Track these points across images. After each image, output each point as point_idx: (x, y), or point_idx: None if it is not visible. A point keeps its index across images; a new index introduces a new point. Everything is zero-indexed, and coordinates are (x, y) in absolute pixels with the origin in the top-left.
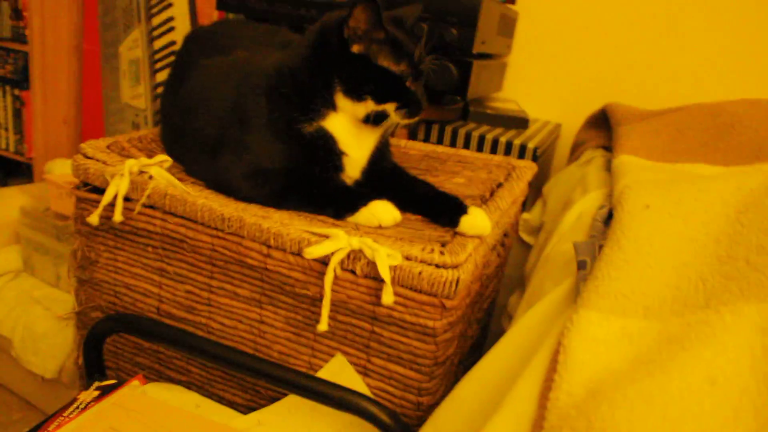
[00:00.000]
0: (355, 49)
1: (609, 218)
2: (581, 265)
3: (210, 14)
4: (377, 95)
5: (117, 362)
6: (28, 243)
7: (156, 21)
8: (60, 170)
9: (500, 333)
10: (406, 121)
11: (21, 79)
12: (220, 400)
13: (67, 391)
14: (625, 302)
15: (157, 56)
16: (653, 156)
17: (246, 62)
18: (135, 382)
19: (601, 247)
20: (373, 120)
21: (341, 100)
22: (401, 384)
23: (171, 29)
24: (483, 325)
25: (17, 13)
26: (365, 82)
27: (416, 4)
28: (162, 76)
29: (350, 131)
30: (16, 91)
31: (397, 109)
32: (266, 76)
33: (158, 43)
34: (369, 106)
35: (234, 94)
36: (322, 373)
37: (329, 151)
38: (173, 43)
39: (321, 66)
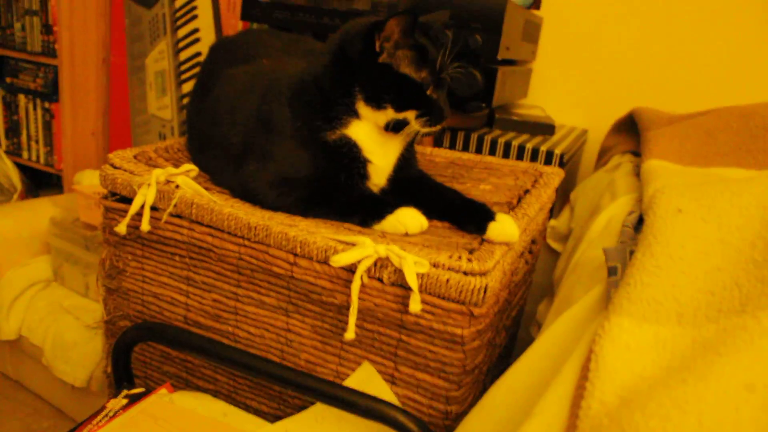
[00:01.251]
0: (381, 58)
1: (639, 224)
2: (612, 271)
3: (235, 25)
4: (397, 103)
5: (145, 371)
6: (58, 253)
7: (181, 33)
8: (89, 181)
9: (529, 341)
10: (427, 129)
11: (51, 92)
12: (248, 408)
13: (97, 399)
14: (658, 308)
15: (183, 67)
16: (683, 160)
17: (270, 71)
18: (163, 391)
19: (632, 252)
20: (393, 127)
21: (362, 108)
22: (429, 393)
23: (196, 40)
24: (511, 333)
25: (47, 28)
26: (385, 90)
27: (443, 11)
28: (188, 87)
29: (374, 138)
30: (46, 104)
31: (418, 116)
32: (289, 84)
33: (184, 55)
34: (389, 114)
35: (258, 103)
36: (350, 382)
37: (353, 159)
38: (199, 54)
39: (342, 74)
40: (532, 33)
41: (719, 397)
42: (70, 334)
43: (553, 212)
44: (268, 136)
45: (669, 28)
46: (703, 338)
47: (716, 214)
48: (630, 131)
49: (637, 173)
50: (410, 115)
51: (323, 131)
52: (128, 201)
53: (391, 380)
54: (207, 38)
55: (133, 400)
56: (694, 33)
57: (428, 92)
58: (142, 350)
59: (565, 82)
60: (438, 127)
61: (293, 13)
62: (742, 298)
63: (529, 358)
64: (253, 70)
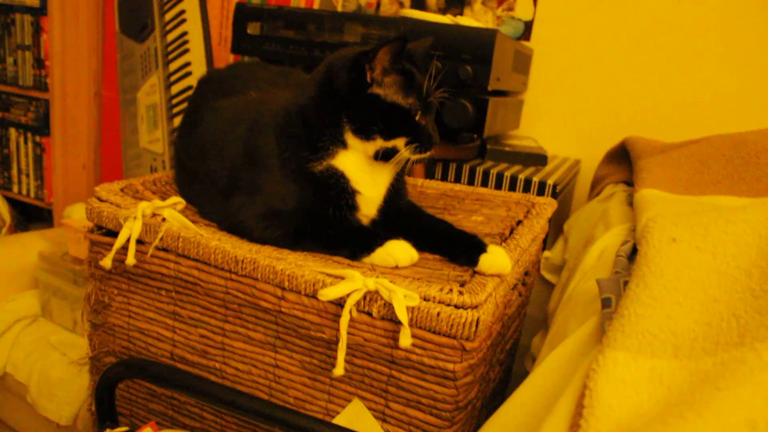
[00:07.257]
0: (371, 89)
1: (633, 253)
2: (606, 303)
3: (226, 58)
4: (386, 132)
5: (130, 408)
6: (46, 288)
7: (173, 66)
8: (79, 215)
9: (524, 375)
10: (418, 156)
11: (42, 126)
12: None
13: None
14: (653, 341)
15: (175, 101)
16: (676, 189)
17: (257, 103)
18: (147, 430)
19: (626, 283)
20: (382, 156)
21: (351, 139)
22: (421, 430)
23: (188, 74)
24: (506, 367)
25: (39, 63)
26: (374, 120)
27: (427, 38)
28: (179, 120)
29: (362, 168)
30: (37, 138)
31: (408, 144)
32: (275, 116)
33: (175, 88)
34: (378, 143)
35: (245, 135)
36: (339, 419)
37: (341, 190)
38: (190, 87)
39: (329, 105)
40: (522, 64)
41: None
42: (56, 371)
43: (547, 243)
44: (255, 169)
45: (660, 58)
46: (701, 372)
47: (711, 242)
48: (623, 161)
49: (631, 202)
50: (399, 142)
51: (310, 162)
52: (114, 234)
53: (382, 418)
54: (198, 72)
55: None
56: (685, 62)
57: (416, 118)
58: (127, 387)
59: (558, 112)
60: (428, 154)
61: (284, 46)
62: (740, 329)
63: (522, 394)
64: (240, 102)
